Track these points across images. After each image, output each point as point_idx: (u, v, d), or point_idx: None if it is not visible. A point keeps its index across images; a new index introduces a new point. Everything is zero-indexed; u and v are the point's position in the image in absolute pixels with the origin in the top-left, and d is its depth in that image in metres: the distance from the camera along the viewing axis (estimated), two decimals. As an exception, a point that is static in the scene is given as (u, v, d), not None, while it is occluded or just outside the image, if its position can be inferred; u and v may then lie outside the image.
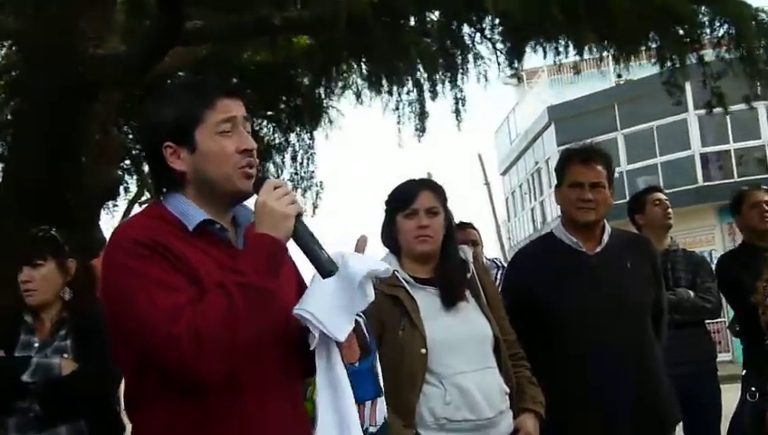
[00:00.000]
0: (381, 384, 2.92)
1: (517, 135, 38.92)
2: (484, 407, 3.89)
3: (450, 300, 4.06)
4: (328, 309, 2.61)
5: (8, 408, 4.30)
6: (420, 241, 4.09)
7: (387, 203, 4.22)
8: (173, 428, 2.56)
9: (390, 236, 4.19)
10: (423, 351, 3.89)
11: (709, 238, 26.87)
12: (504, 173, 42.66)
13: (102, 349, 4.36)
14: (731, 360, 17.53)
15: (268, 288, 2.52)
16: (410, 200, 4.11)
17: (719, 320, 14.06)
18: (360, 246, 2.84)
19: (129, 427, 2.89)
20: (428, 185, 4.20)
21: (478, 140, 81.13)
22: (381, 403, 2.91)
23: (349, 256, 2.68)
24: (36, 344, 4.42)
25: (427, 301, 4.03)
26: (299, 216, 2.59)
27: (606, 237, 4.55)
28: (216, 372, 2.46)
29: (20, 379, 4.26)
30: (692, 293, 5.99)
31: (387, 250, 4.23)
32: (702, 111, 25.77)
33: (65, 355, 4.40)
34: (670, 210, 6.39)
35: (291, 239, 2.59)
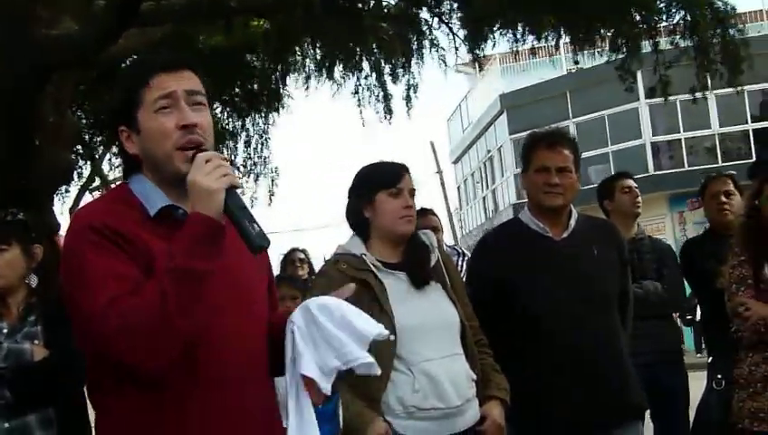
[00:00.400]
0: (341, 425, 2.86)
1: (469, 123, 39.00)
2: (453, 395, 3.85)
3: (419, 281, 4.02)
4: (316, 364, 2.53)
5: None
6: (406, 221, 4.04)
7: (363, 182, 4.14)
8: (131, 415, 2.50)
9: (361, 216, 4.12)
10: (392, 337, 3.82)
11: (660, 227, 27.08)
12: (456, 161, 42.75)
13: (70, 338, 4.32)
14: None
15: (196, 269, 2.38)
16: (396, 179, 4.05)
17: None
18: (343, 293, 2.74)
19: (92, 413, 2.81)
20: (407, 168, 4.15)
21: (430, 128, 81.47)
22: None
23: (348, 310, 2.60)
24: (5, 330, 4.31)
25: (395, 285, 3.98)
26: (232, 189, 2.44)
27: (573, 223, 4.53)
28: (153, 365, 2.38)
29: None
30: (659, 285, 5.95)
31: (352, 232, 4.17)
32: (653, 101, 26.09)
33: (36, 341, 4.30)
34: (639, 199, 6.36)
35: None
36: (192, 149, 2.53)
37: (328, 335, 2.55)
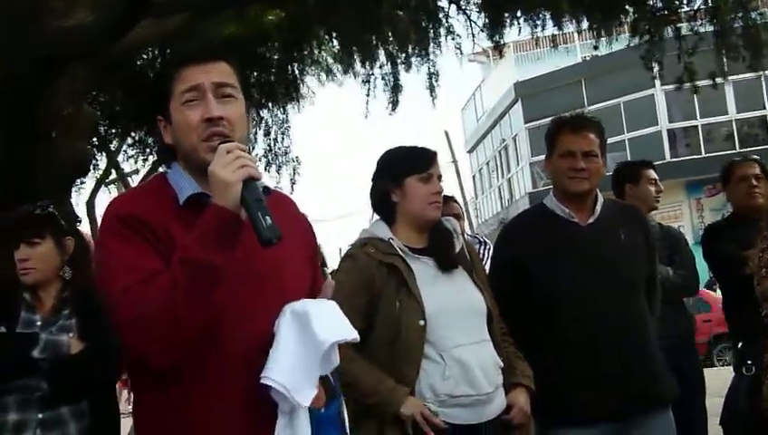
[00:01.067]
0: (347, 430, 2.80)
1: (484, 112, 38.96)
2: (483, 381, 3.82)
3: (446, 265, 3.98)
4: (291, 375, 2.45)
5: (7, 386, 4.13)
6: (435, 207, 4.01)
7: (391, 165, 4.08)
8: (151, 405, 2.56)
9: (387, 200, 4.06)
10: (421, 323, 3.79)
11: (677, 214, 27.04)
12: (471, 151, 42.74)
13: (106, 332, 4.29)
14: (701, 335, 17.62)
15: (208, 260, 2.38)
16: (428, 164, 4.02)
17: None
18: (326, 292, 2.78)
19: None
20: (437, 153, 4.12)
21: (445, 118, 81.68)
22: None
23: (316, 315, 2.52)
24: (39, 323, 4.28)
25: (423, 270, 3.94)
26: (250, 180, 2.43)
27: (599, 208, 4.45)
28: (161, 355, 2.41)
29: (30, 355, 4.10)
30: (670, 270, 5.89)
31: (377, 217, 4.12)
32: (669, 87, 25.97)
33: (70, 334, 4.26)
34: (661, 194, 6.35)
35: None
36: (218, 141, 2.54)
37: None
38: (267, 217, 2.38)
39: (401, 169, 4.02)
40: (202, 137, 2.57)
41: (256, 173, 2.46)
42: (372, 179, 4.15)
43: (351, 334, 2.57)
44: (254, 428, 2.51)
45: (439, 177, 4.05)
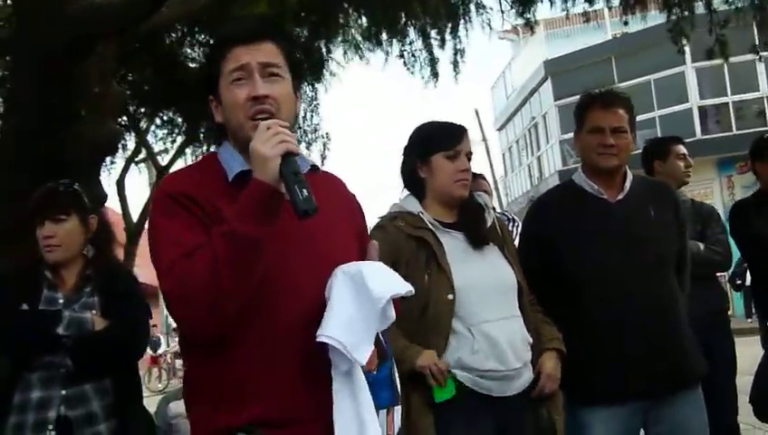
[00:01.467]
0: (399, 391, 2.83)
1: (513, 90, 38.78)
2: (511, 357, 3.84)
3: (477, 241, 3.98)
4: (350, 332, 2.52)
5: (30, 363, 4.17)
6: (461, 185, 4.00)
7: (420, 141, 4.08)
8: (216, 373, 2.61)
9: (416, 175, 4.06)
10: (450, 296, 3.80)
11: (708, 192, 26.80)
12: (500, 129, 42.57)
13: (131, 310, 4.36)
14: (731, 314, 17.52)
15: (247, 233, 2.45)
16: (456, 141, 4.01)
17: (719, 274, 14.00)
18: (372, 253, 2.77)
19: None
20: (465, 129, 4.10)
21: (474, 96, 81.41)
22: (397, 412, 2.82)
23: (369, 274, 2.58)
24: (61, 301, 4.30)
25: (453, 244, 3.94)
26: (289, 155, 2.50)
27: (628, 184, 4.42)
28: (206, 326, 2.50)
29: (55, 332, 4.14)
30: (701, 245, 5.85)
31: (407, 191, 4.12)
32: (699, 64, 25.77)
33: (93, 312, 4.29)
34: (691, 169, 6.28)
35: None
36: (263, 119, 2.62)
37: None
38: (304, 190, 2.45)
39: (428, 146, 4.02)
40: (248, 115, 2.66)
41: (295, 148, 2.53)
42: (402, 154, 4.15)
43: (405, 288, 2.64)
44: (308, 390, 2.58)
45: (468, 154, 4.03)
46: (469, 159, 4.03)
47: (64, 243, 4.33)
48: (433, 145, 4.00)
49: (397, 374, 2.83)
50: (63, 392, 4.14)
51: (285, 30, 11.30)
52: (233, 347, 2.56)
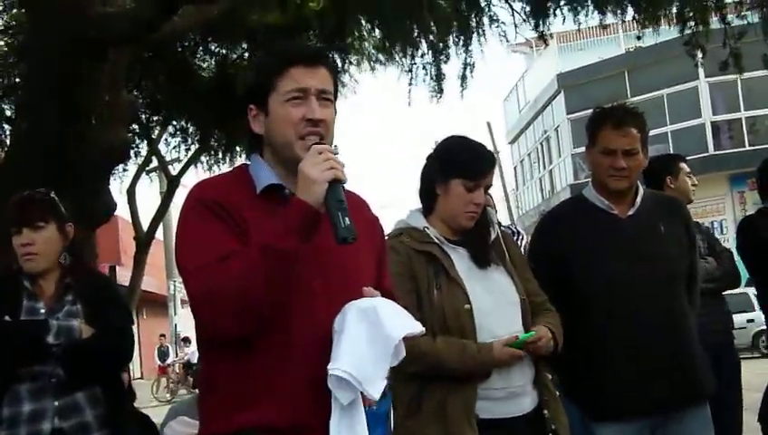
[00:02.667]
0: (392, 428, 2.86)
1: (526, 103, 38.81)
2: (517, 374, 3.81)
3: (482, 259, 3.94)
4: (363, 367, 2.58)
5: (17, 374, 4.14)
6: (469, 217, 3.94)
7: (445, 158, 4.01)
8: (229, 375, 2.72)
9: (432, 187, 4.01)
10: (467, 306, 3.77)
11: (720, 208, 26.83)
12: (512, 142, 42.61)
13: (116, 316, 4.34)
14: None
15: (286, 249, 2.56)
16: (481, 176, 3.94)
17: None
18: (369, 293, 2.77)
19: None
20: (493, 162, 4.05)
21: (487, 109, 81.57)
22: None
23: (383, 312, 2.64)
24: (43, 310, 4.27)
25: (458, 260, 3.91)
26: (335, 181, 2.60)
27: (639, 200, 4.39)
28: (231, 329, 2.61)
29: (44, 341, 4.12)
30: (713, 261, 5.83)
31: (415, 207, 4.09)
32: (713, 79, 25.74)
33: (80, 320, 4.27)
34: (696, 187, 6.33)
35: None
36: (312, 141, 2.73)
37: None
38: (346, 219, 2.58)
39: (452, 167, 3.95)
40: (301, 134, 2.75)
41: (343, 176, 2.64)
42: (426, 159, 4.11)
43: (417, 328, 2.70)
44: (317, 400, 2.65)
45: (488, 187, 4.00)
46: (486, 191, 4.00)
47: (43, 251, 4.30)
48: (456, 169, 3.93)
49: (392, 410, 2.87)
50: (56, 404, 4.13)
51: (301, 39, 11.37)
52: (247, 354, 2.66)
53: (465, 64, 11.66)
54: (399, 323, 2.65)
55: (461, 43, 11.51)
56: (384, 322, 2.61)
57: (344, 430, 2.59)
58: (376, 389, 2.58)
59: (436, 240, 3.90)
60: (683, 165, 6.32)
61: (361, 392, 2.59)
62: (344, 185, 2.65)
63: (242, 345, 2.65)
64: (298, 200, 2.62)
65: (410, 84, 12.05)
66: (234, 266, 2.56)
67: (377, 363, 2.59)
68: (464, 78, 11.74)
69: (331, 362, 2.57)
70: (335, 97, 2.89)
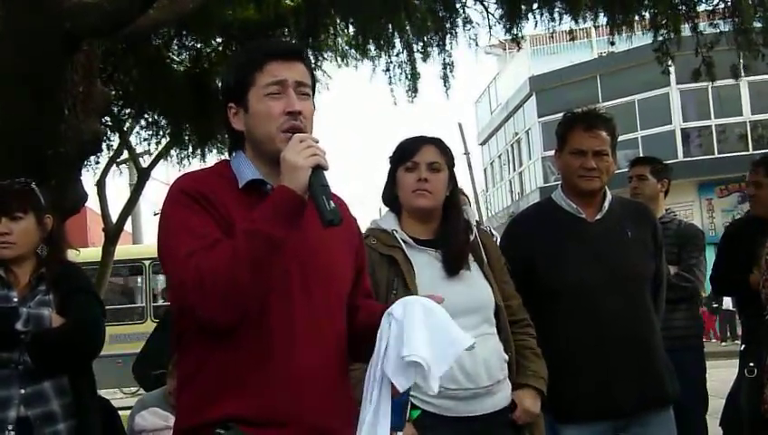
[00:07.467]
0: (407, 417, 2.90)
1: (498, 105, 38.88)
2: (482, 375, 3.81)
3: (453, 267, 3.94)
4: (433, 361, 2.60)
5: None
6: (418, 195, 3.96)
7: (389, 158, 4.10)
8: (204, 368, 2.74)
9: (391, 192, 4.08)
10: None
11: (688, 214, 26.91)
12: (483, 143, 42.68)
13: (87, 307, 4.31)
14: (706, 339, 17.59)
15: (270, 234, 2.60)
16: (412, 153, 3.99)
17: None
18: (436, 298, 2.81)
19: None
20: (434, 141, 4.07)
21: (459, 109, 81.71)
22: None
23: (448, 318, 2.70)
24: (15, 299, 4.25)
25: (427, 265, 3.93)
26: (319, 169, 2.65)
27: (606, 205, 4.45)
28: (220, 315, 2.62)
29: (13, 328, 4.10)
30: (672, 270, 5.79)
31: (387, 208, 4.12)
32: (684, 86, 25.87)
33: (50, 309, 4.26)
34: (637, 187, 6.41)
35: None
36: (293, 133, 2.76)
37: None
38: (331, 202, 2.63)
39: (394, 162, 4.06)
40: (281, 128, 2.78)
41: (325, 163, 2.68)
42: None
43: (469, 342, 2.72)
44: (294, 392, 2.71)
45: (429, 164, 3.96)
46: (434, 170, 3.96)
47: (20, 241, 4.28)
48: (396, 160, 4.04)
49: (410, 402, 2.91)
50: (22, 392, 4.11)
51: (274, 37, 11.35)
52: (222, 348, 2.69)
53: (446, 64, 11.69)
54: (462, 333, 2.70)
55: (435, 44, 11.54)
56: (451, 327, 2.68)
57: (370, 414, 2.63)
58: (437, 383, 2.60)
59: (402, 243, 3.92)
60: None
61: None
62: (326, 171, 2.69)
63: (217, 339, 2.68)
64: (282, 187, 2.66)
65: (390, 84, 12.04)
66: (222, 252, 2.59)
67: (440, 361, 2.62)
68: (445, 78, 11.77)
69: (405, 349, 2.58)
70: (313, 92, 2.92)
